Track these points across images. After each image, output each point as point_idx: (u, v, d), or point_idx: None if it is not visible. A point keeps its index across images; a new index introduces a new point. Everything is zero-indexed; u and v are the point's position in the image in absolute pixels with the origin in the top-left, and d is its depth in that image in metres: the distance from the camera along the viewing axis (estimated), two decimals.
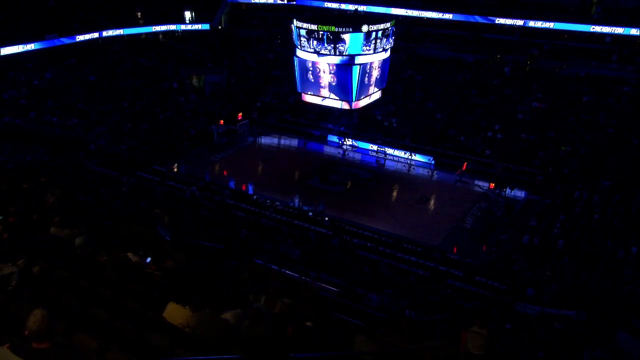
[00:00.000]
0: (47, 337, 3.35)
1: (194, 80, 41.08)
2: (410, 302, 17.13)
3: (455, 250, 22.99)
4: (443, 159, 32.18)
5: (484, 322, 6.82)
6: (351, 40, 23.27)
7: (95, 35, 39.01)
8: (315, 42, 23.90)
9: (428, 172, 31.90)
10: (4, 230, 7.40)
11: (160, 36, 44.60)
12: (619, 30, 33.57)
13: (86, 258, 7.39)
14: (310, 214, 25.25)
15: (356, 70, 24.04)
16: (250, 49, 44.40)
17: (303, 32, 24.14)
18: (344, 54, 23.62)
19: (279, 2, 44.93)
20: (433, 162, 32.17)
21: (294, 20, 24.86)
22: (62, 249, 7.53)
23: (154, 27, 43.08)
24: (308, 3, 43.45)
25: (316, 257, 20.81)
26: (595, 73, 34.32)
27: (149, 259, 8.78)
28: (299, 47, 24.99)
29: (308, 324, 7.22)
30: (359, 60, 23.94)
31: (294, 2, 43.82)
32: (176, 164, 31.11)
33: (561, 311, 17.86)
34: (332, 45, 23.41)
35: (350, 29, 23.13)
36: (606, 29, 34.30)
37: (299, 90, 27.43)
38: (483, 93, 35.86)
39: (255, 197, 26.72)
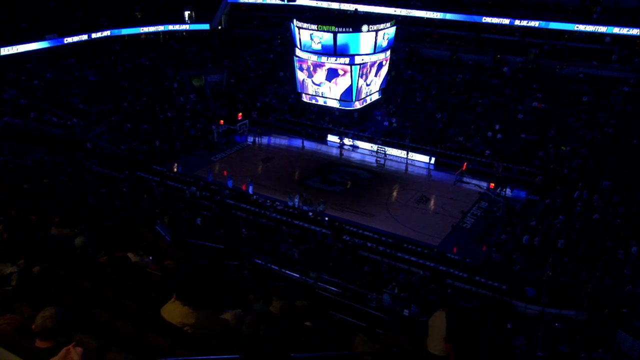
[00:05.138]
0: (52, 336, 3.38)
1: (194, 80, 41.08)
2: (409, 302, 17.12)
3: (455, 250, 23.00)
4: (443, 159, 32.20)
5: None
6: (351, 41, 23.27)
7: (95, 35, 38.99)
8: (315, 43, 23.89)
9: (428, 172, 31.92)
10: (4, 230, 7.40)
11: (160, 36, 44.60)
12: (619, 30, 33.67)
13: (86, 258, 7.39)
14: (310, 214, 25.25)
15: (356, 70, 24.03)
16: (250, 49, 44.41)
17: (303, 32, 24.13)
18: (344, 54, 23.61)
19: (279, 2, 44.92)
20: (433, 162, 32.21)
21: (294, 20, 24.84)
22: (62, 249, 7.53)
23: (154, 27, 43.05)
24: (308, 3, 43.43)
25: (316, 256, 20.81)
26: (595, 73, 34.33)
27: (150, 258, 8.79)
28: (299, 47, 24.99)
29: (308, 324, 7.22)
30: (358, 60, 23.93)
31: (294, 2, 43.81)
32: (176, 164, 31.11)
33: (561, 311, 17.87)
34: (332, 45, 23.40)
35: (350, 29, 23.12)
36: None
37: (299, 90, 27.42)
38: (483, 93, 35.87)
39: (255, 197, 26.72)
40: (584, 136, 30.72)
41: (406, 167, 32.40)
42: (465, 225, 25.56)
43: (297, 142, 35.80)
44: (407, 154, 32.96)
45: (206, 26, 45.04)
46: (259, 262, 18.27)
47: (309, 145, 35.47)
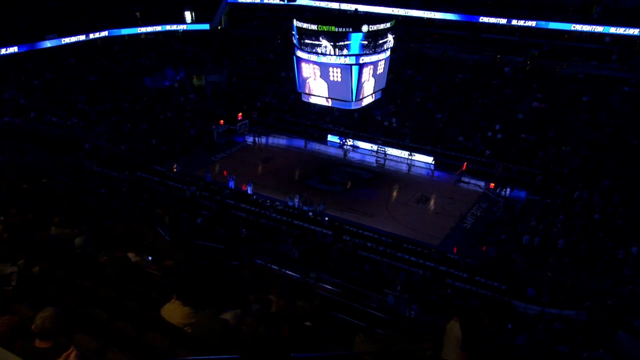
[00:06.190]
0: (52, 336, 3.38)
1: (194, 80, 41.09)
2: (410, 302, 17.13)
3: (455, 250, 22.99)
4: (443, 159, 32.20)
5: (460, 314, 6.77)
6: (351, 41, 23.27)
7: (95, 35, 38.99)
8: (315, 42, 23.89)
9: (429, 172, 31.93)
10: (4, 230, 7.40)
11: (160, 36, 44.58)
12: (620, 30, 33.71)
13: (86, 258, 7.39)
14: (310, 214, 25.25)
15: (356, 70, 24.02)
16: (250, 49, 44.41)
17: (303, 32, 24.13)
18: (344, 54, 23.62)
19: (279, 2, 44.93)
20: (433, 162, 32.22)
21: (294, 20, 24.83)
22: (62, 249, 7.53)
23: (154, 27, 43.05)
24: (308, 3, 43.44)
25: (316, 257, 20.79)
26: (595, 73, 34.34)
27: (150, 258, 8.81)
28: (299, 47, 24.98)
29: (308, 324, 7.23)
30: (358, 60, 23.93)
31: (294, 2, 43.83)
32: (176, 164, 31.09)
33: (561, 311, 17.86)
34: (332, 46, 23.41)
35: (350, 29, 23.12)
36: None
37: (299, 90, 27.41)
38: (483, 93, 35.88)
39: (255, 197, 26.72)
40: (584, 136, 30.72)
41: (409, 167, 32.39)
42: (465, 226, 25.57)
43: (297, 142, 35.81)
44: (409, 154, 32.96)
45: (206, 26, 45.02)
46: (259, 262, 18.27)
47: (309, 145, 35.45)
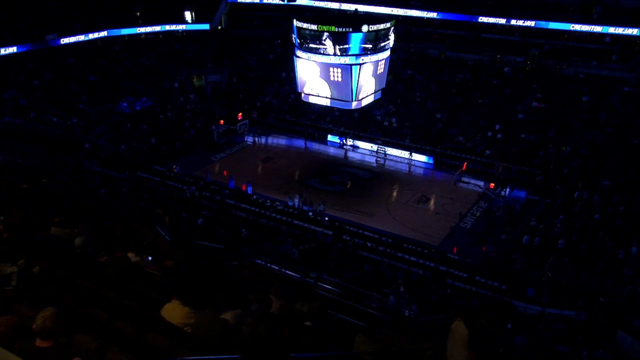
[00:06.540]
0: (53, 335, 3.40)
1: (194, 80, 41.09)
2: (409, 302, 17.12)
3: (455, 250, 22.99)
4: (443, 159, 32.20)
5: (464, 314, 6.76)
6: (351, 41, 23.26)
7: (95, 35, 38.99)
8: (315, 42, 23.88)
9: (428, 172, 31.93)
10: (4, 230, 7.40)
11: (160, 36, 44.58)
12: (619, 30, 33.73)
13: (86, 258, 7.39)
14: (310, 214, 25.26)
15: (356, 70, 24.00)
16: (250, 49, 44.42)
17: (303, 32, 24.11)
18: (344, 54, 23.60)
19: (279, 2, 44.93)
20: (433, 162, 32.21)
21: (294, 20, 24.81)
22: (62, 249, 7.53)
23: (154, 27, 43.05)
24: (308, 3, 43.44)
25: (316, 257, 20.80)
26: (595, 73, 34.35)
27: (150, 258, 8.81)
28: (299, 47, 24.97)
29: (308, 324, 7.22)
30: (359, 60, 23.91)
31: (294, 2, 43.83)
32: (175, 164, 31.08)
33: (561, 311, 17.87)
34: (332, 46, 23.40)
35: (350, 29, 23.09)
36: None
37: (299, 90, 27.39)
38: (483, 93, 35.87)
39: (255, 197, 26.73)
40: (584, 136, 30.72)
41: (409, 167, 32.37)
42: (465, 226, 25.56)
43: (297, 142, 35.81)
44: (410, 154, 32.95)
45: (206, 26, 45.03)
46: (259, 262, 18.26)
47: (309, 145, 35.47)
